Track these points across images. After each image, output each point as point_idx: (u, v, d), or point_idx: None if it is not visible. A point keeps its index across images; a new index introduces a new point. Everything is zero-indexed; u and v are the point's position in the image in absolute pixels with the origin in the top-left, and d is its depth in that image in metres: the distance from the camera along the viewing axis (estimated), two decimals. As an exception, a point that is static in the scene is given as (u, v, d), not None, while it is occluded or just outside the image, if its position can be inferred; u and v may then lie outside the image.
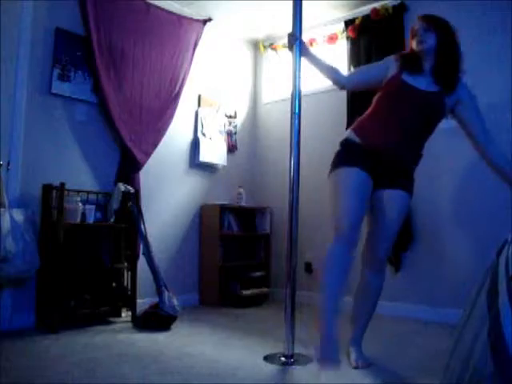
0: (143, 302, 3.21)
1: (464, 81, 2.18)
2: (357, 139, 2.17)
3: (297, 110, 2.35)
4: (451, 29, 2.18)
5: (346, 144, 2.22)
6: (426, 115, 2.14)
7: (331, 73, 2.39)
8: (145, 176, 3.50)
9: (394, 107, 2.15)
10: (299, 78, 2.37)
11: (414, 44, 2.17)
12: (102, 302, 3.03)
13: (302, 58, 2.41)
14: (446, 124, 3.36)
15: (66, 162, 3.13)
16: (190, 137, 3.99)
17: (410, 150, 2.19)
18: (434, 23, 2.17)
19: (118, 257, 3.19)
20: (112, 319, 3.14)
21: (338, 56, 3.94)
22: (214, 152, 4.09)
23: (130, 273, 3.19)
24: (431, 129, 2.21)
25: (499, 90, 3.11)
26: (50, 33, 3.07)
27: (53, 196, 2.91)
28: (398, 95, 2.16)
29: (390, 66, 2.23)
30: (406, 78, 2.15)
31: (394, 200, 2.18)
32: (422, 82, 2.14)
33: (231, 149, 4.31)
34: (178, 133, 3.85)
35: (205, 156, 4.00)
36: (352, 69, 3.79)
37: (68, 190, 2.94)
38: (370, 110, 2.24)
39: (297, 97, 2.36)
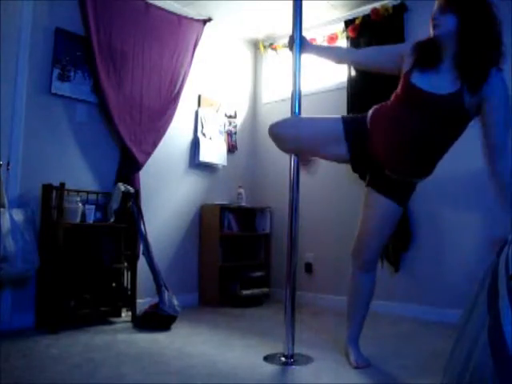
0: (143, 302, 3.21)
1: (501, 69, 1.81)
2: (368, 125, 2.05)
3: (297, 110, 2.35)
4: (480, 4, 1.80)
5: (360, 118, 2.09)
6: (441, 124, 1.87)
7: (340, 55, 2.33)
8: (145, 176, 3.49)
9: (402, 115, 1.93)
10: (299, 77, 2.36)
11: (430, 29, 1.89)
12: (102, 301, 3.03)
13: (307, 56, 2.35)
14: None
15: (65, 162, 3.13)
16: (189, 137, 3.99)
17: (418, 165, 1.99)
18: (453, 1, 1.81)
19: (117, 257, 3.19)
20: (112, 319, 3.14)
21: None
22: (213, 152, 4.09)
23: (129, 273, 3.19)
24: (452, 136, 1.93)
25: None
26: (50, 33, 3.07)
27: (53, 196, 2.91)
28: (405, 101, 1.93)
29: (405, 55, 1.98)
30: (415, 78, 1.87)
31: (382, 208, 2.09)
32: (435, 82, 1.84)
33: (231, 149, 4.31)
34: (177, 133, 3.85)
35: (205, 156, 4.00)
36: (352, 68, 3.80)
37: (68, 190, 2.94)
38: (389, 103, 2.04)
39: (297, 97, 2.35)
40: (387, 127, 1.99)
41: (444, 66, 1.87)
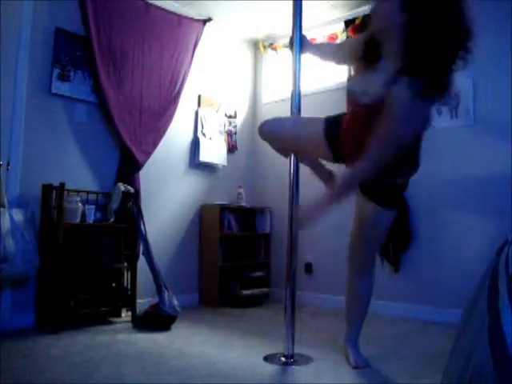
0: (143, 302, 3.21)
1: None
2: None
3: (297, 110, 2.35)
4: None
5: (339, 117, 2.06)
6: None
7: (338, 53, 2.27)
8: (145, 176, 3.49)
9: (350, 116, 1.96)
10: (299, 77, 2.36)
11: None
12: (102, 302, 3.03)
13: (307, 56, 2.35)
14: (446, 123, 3.35)
15: (65, 162, 3.13)
16: (190, 137, 3.99)
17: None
18: None
19: (118, 257, 3.19)
20: (112, 319, 3.14)
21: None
22: (213, 152, 4.09)
23: (129, 273, 3.19)
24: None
25: (500, 90, 3.11)
26: (50, 33, 3.07)
27: (53, 196, 2.91)
28: (349, 102, 1.95)
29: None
30: (351, 80, 1.86)
31: (368, 211, 2.03)
32: (365, 84, 1.78)
33: (231, 149, 4.31)
34: (178, 133, 3.85)
35: (205, 156, 4.00)
36: (351, 69, 3.79)
37: (68, 190, 2.94)
38: None
39: (297, 97, 2.35)
40: (345, 128, 2.00)
41: (380, 65, 1.71)
